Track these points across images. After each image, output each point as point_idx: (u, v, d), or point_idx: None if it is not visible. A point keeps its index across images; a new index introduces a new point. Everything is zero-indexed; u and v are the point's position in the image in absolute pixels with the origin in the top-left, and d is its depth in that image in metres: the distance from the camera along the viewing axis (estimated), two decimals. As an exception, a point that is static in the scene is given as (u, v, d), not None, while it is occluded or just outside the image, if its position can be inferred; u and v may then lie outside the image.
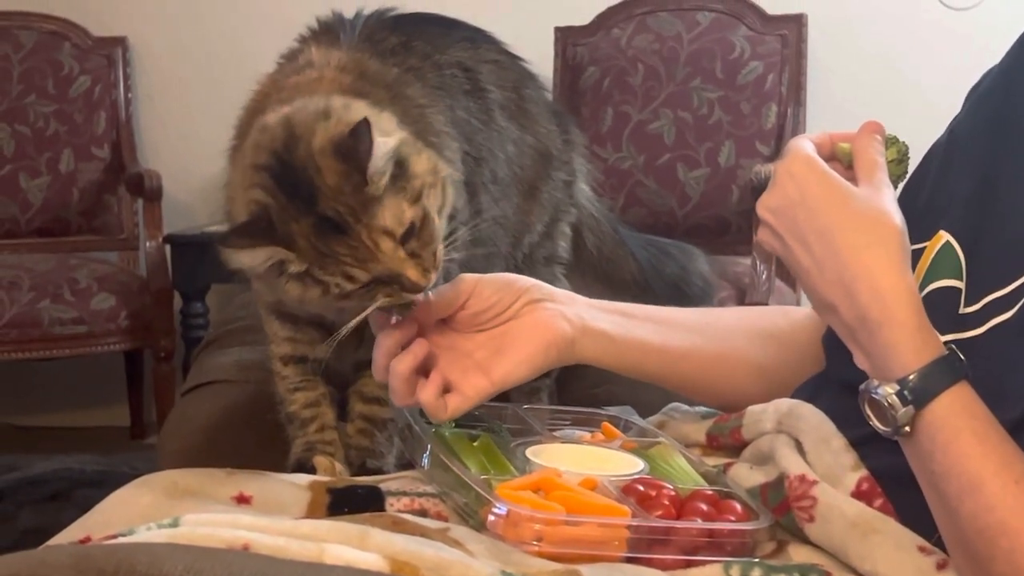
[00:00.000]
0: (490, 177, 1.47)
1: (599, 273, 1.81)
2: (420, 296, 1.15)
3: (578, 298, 1.25)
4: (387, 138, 1.15)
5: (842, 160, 1.06)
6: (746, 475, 1.12)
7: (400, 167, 1.15)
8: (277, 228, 1.13)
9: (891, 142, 1.06)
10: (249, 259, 1.15)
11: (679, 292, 1.85)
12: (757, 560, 0.99)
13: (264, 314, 1.41)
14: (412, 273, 1.13)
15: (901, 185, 1.08)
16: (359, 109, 1.19)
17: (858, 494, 1.02)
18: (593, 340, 1.21)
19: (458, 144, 1.39)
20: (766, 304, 2.94)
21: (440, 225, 1.18)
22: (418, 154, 1.18)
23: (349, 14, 1.44)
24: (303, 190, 1.13)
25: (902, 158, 1.06)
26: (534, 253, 1.62)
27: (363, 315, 1.16)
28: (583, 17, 3.79)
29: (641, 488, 1.06)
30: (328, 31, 1.40)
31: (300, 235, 1.13)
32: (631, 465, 1.12)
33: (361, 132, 1.12)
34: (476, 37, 1.58)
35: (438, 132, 1.35)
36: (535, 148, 1.59)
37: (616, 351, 1.22)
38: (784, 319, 1.34)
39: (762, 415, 1.15)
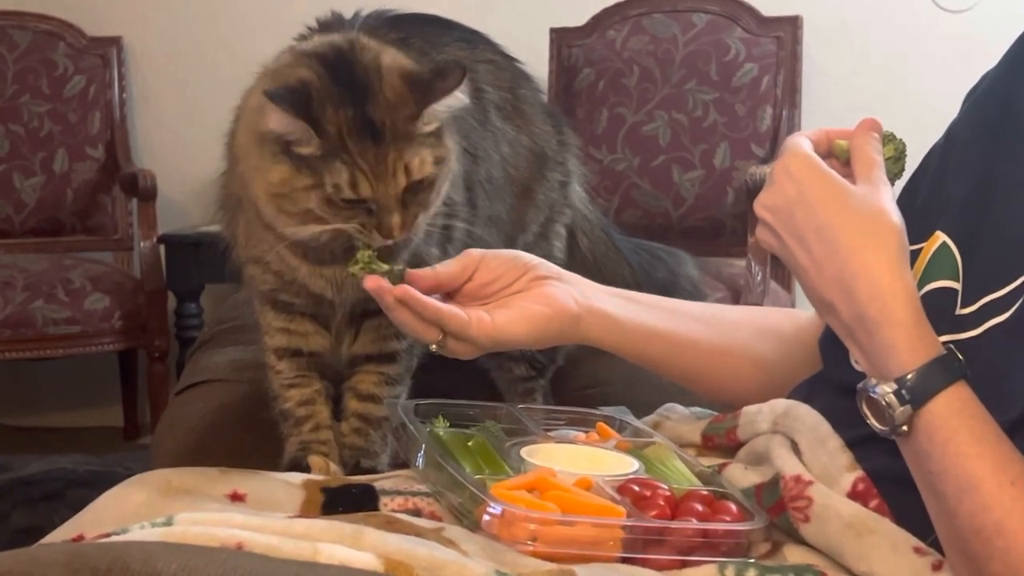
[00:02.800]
0: (485, 176, 1.48)
1: (592, 275, 1.80)
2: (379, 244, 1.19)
3: (584, 280, 1.25)
4: (464, 96, 1.21)
5: (839, 157, 1.06)
6: (741, 475, 1.12)
7: (439, 131, 1.20)
8: (314, 105, 1.15)
9: (888, 139, 1.06)
10: (283, 125, 1.16)
11: (668, 296, 1.85)
12: (752, 560, 0.98)
13: (259, 305, 1.41)
14: (396, 219, 1.17)
15: (898, 183, 1.08)
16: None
17: (854, 495, 1.02)
18: (598, 320, 1.22)
19: (457, 139, 1.40)
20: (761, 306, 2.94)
21: (432, 198, 1.22)
22: (449, 134, 1.23)
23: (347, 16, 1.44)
24: (357, 86, 1.17)
25: (899, 156, 1.06)
26: (529, 253, 1.61)
27: (327, 228, 1.18)
28: (578, 18, 3.79)
29: (636, 488, 1.06)
30: (328, 28, 1.41)
31: (334, 122, 1.15)
32: (626, 465, 1.12)
33: (452, 72, 1.18)
34: (472, 38, 1.59)
35: None
36: (530, 149, 1.59)
37: (620, 333, 1.23)
38: (788, 320, 1.34)
39: (758, 415, 1.15)
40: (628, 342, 1.24)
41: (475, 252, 1.21)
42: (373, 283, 1.15)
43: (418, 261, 1.27)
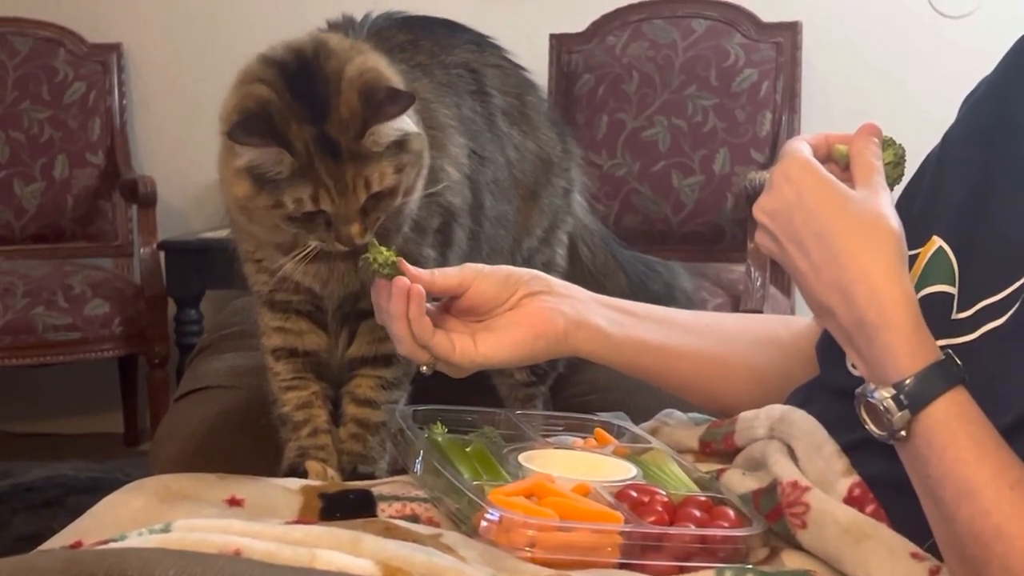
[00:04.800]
0: (492, 178, 1.49)
1: (590, 285, 1.80)
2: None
3: (579, 291, 1.26)
4: (411, 122, 1.22)
5: (838, 162, 1.06)
6: (738, 481, 1.12)
7: (400, 140, 1.21)
8: (277, 125, 1.17)
9: (888, 144, 1.06)
10: (256, 157, 1.18)
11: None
12: (750, 566, 0.98)
13: (257, 307, 1.42)
14: (355, 228, 1.19)
15: (897, 188, 1.08)
16: (391, 72, 1.25)
17: (850, 500, 1.02)
18: (587, 334, 1.22)
19: (464, 140, 1.41)
20: (760, 312, 2.94)
21: (397, 203, 1.24)
22: (417, 135, 1.24)
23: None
24: (316, 99, 1.18)
25: (899, 161, 1.06)
26: (533, 258, 1.62)
27: (302, 252, 1.22)
28: (578, 24, 3.79)
29: (634, 494, 1.06)
30: (337, 30, 1.41)
31: (299, 138, 1.17)
32: (624, 471, 1.12)
33: (401, 98, 1.19)
34: (481, 42, 1.60)
35: (443, 126, 1.37)
36: (536, 155, 1.60)
37: (610, 347, 1.23)
38: (784, 327, 1.34)
39: (754, 421, 1.15)
40: (618, 355, 1.25)
41: (472, 268, 1.22)
42: (402, 284, 1.17)
43: (412, 263, 1.27)
